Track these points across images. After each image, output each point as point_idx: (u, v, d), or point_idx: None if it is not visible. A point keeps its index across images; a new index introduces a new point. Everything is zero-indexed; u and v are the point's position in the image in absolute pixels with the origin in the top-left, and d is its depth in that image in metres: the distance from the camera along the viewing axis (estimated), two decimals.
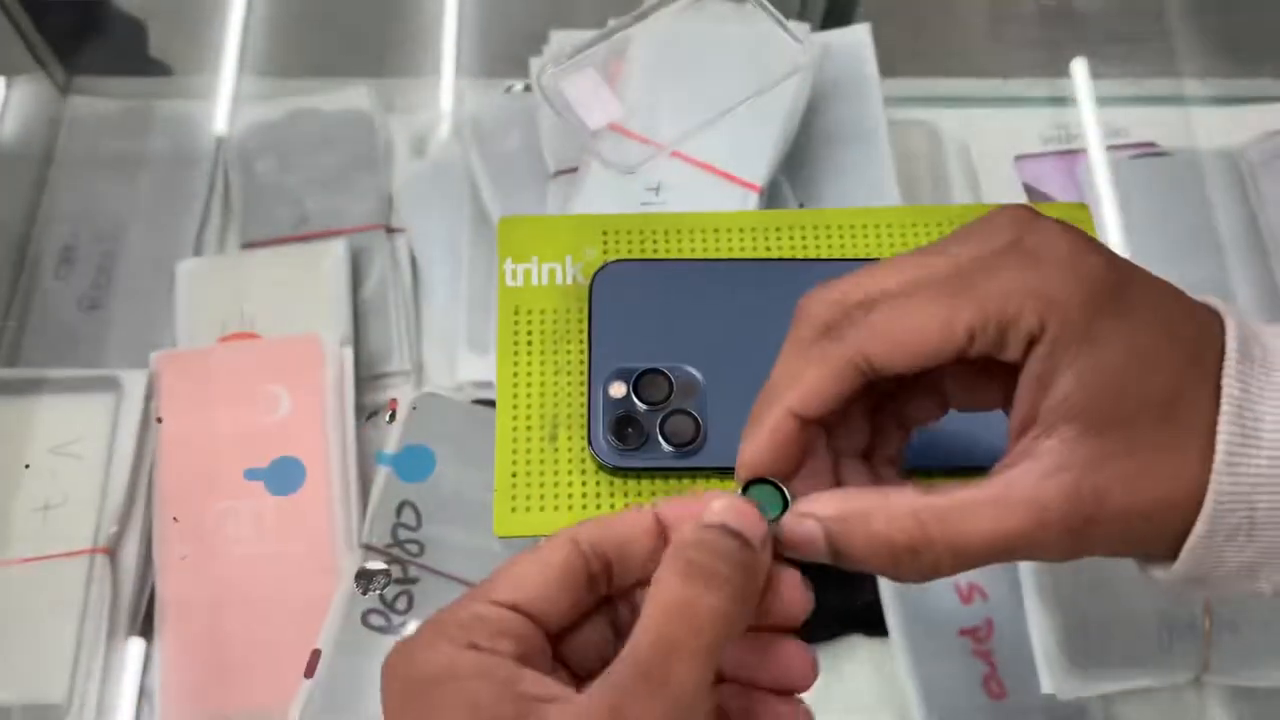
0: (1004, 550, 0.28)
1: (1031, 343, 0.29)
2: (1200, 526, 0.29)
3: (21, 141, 0.67)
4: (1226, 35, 0.74)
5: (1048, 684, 0.50)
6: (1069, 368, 0.29)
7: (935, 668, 0.52)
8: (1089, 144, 0.67)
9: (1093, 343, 0.29)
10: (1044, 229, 0.30)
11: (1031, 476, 0.28)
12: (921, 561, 0.28)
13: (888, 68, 0.63)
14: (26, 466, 0.54)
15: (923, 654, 0.52)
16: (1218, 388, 0.29)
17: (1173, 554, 0.30)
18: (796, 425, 0.30)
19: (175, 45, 0.72)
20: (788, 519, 0.29)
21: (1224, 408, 0.29)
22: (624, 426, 0.40)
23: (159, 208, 0.65)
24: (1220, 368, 0.29)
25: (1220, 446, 0.29)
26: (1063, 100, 0.69)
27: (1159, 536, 0.30)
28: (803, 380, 0.30)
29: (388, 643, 0.52)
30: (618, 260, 0.44)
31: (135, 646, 0.53)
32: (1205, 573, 0.30)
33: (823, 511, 0.29)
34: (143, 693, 0.52)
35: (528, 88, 0.65)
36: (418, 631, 0.28)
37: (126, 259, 0.63)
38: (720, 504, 0.28)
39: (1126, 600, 0.52)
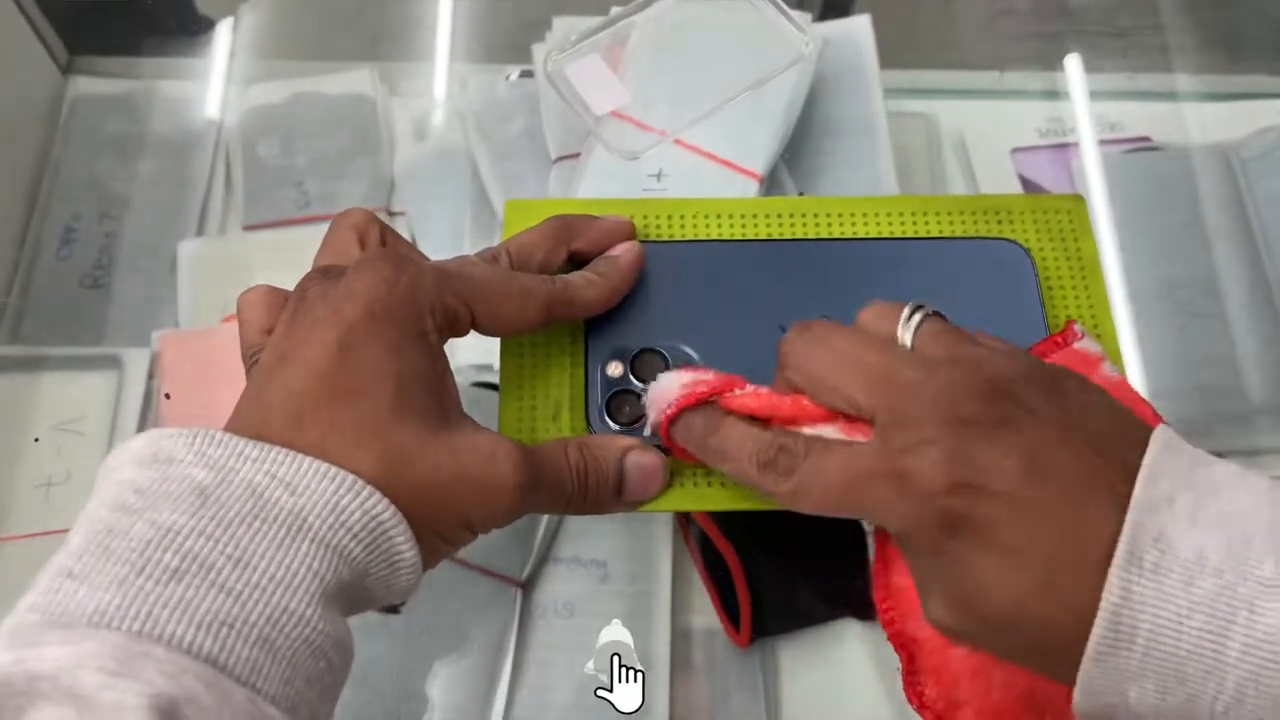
0: None
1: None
2: (1077, 701, 0.29)
3: (23, 120, 0.67)
4: (1220, 31, 0.75)
5: None
6: (928, 585, 0.32)
7: None
8: (1082, 138, 0.68)
9: (954, 564, 0.31)
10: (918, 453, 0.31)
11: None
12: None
13: (884, 59, 0.64)
14: (36, 440, 0.54)
15: None
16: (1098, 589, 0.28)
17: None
18: None
19: (177, 26, 0.73)
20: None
21: (1100, 616, 0.28)
22: (621, 404, 0.41)
23: (161, 188, 0.65)
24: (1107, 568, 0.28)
25: (1090, 645, 0.28)
26: (1058, 94, 0.70)
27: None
28: None
29: (390, 624, 0.53)
30: None
31: None
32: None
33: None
34: None
35: (525, 74, 0.66)
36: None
37: (128, 239, 0.64)
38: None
39: None
